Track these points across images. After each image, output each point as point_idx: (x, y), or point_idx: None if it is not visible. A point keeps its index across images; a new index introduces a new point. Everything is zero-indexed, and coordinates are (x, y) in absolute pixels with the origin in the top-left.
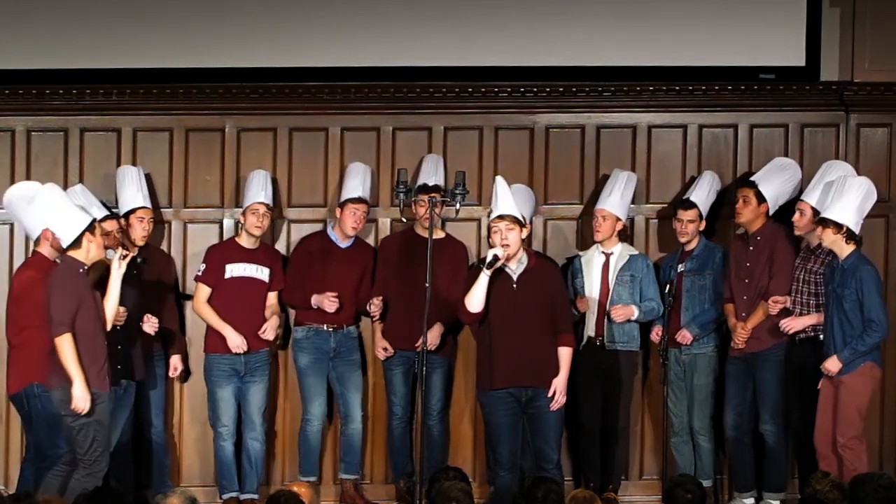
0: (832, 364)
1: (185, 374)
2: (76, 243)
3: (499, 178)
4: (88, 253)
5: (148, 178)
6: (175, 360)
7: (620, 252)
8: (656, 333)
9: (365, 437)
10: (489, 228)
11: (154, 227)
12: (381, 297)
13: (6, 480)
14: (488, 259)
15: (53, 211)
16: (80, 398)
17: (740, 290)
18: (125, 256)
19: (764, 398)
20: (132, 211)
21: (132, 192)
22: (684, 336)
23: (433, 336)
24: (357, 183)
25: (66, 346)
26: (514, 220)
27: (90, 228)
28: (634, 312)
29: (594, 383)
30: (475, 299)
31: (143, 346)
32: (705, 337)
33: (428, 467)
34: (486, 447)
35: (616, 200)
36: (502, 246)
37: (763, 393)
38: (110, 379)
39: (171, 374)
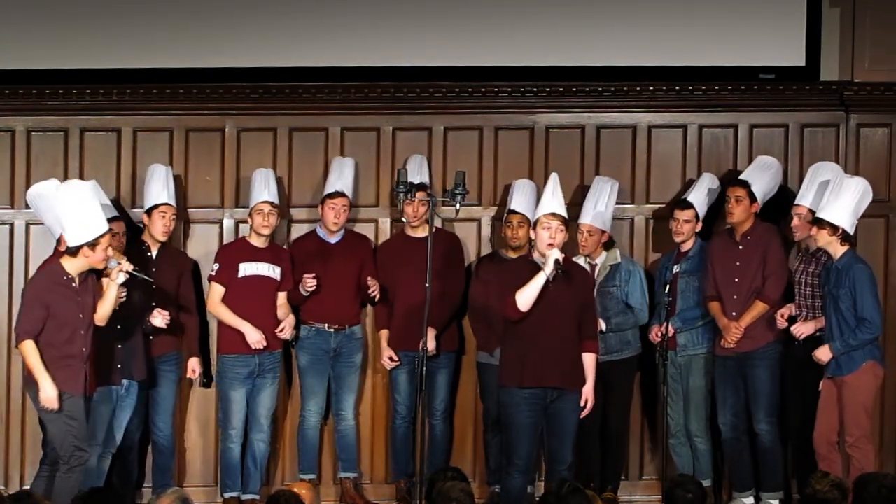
0: (823, 353)
1: (207, 380)
2: (74, 251)
3: (554, 175)
4: (81, 265)
5: (177, 179)
6: (193, 363)
7: (603, 262)
8: (655, 334)
9: (361, 436)
10: (537, 223)
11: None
12: (375, 280)
13: (6, 480)
14: (550, 263)
15: (70, 209)
16: (46, 399)
17: (730, 289)
18: (126, 272)
19: (758, 397)
20: (155, 206)
21: (157, 188)
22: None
23: (429, 341)
24: (335, 178)
25: (27, 351)
26: (565, 221)
27: (92, 244)
28: (602, 326)
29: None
30: (527, 298)
31: (144, 346)
32: (699, 336)
33: (429, 468)
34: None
35: (601, 213)
36: (549, 246)
37: (757, 392)
38: (94, 380)
39: (189, 375)
